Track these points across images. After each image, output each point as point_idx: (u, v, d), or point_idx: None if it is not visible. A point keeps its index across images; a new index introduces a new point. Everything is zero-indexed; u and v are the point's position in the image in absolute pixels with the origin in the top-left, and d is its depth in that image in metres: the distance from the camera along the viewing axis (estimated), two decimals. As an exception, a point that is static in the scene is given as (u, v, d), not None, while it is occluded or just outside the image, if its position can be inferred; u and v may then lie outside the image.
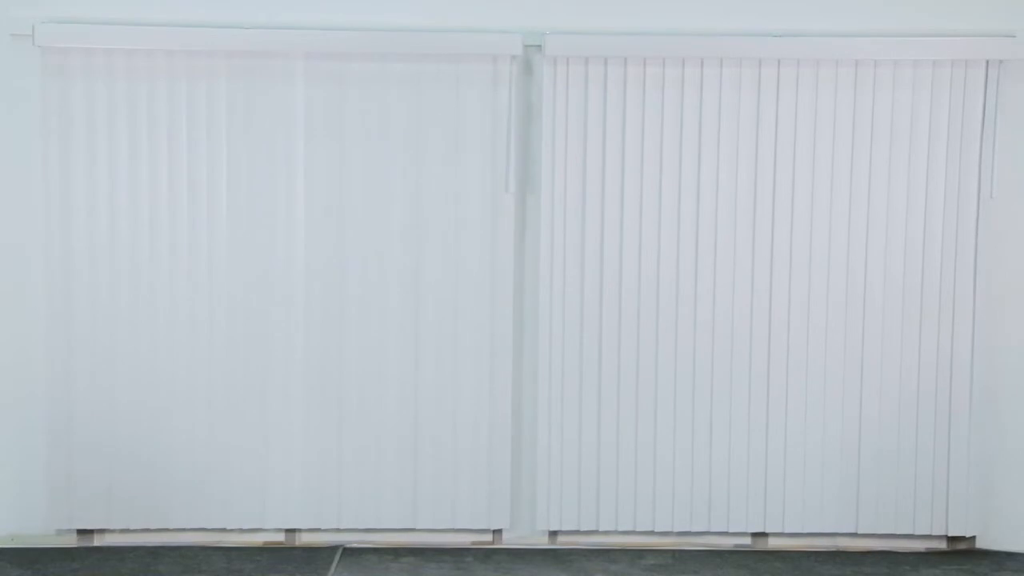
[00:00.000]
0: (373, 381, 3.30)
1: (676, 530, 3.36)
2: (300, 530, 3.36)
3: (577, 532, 3.36)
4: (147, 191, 3.21)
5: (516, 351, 3.32)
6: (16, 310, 3.26)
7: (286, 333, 3.28)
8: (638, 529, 3.35)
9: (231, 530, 3.34)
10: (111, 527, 3.31)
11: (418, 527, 3.34)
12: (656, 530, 3.35)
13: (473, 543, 3.38)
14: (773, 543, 3.39)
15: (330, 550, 3.32)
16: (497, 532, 3.39)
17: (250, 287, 3.27)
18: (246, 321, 3.27)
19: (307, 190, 3.25)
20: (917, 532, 3.35)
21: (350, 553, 3.30)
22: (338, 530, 3.34)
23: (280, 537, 3.37)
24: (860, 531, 3.35)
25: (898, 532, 3.35)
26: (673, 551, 3.35)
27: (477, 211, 3.27)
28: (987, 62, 3.21)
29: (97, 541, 3.33)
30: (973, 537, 3.37)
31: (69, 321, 3.21)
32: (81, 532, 3.32)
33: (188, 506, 3.31)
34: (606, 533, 3.36)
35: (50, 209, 3.19)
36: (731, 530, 3.35)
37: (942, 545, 3.39)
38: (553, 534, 3.38)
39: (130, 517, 3.30)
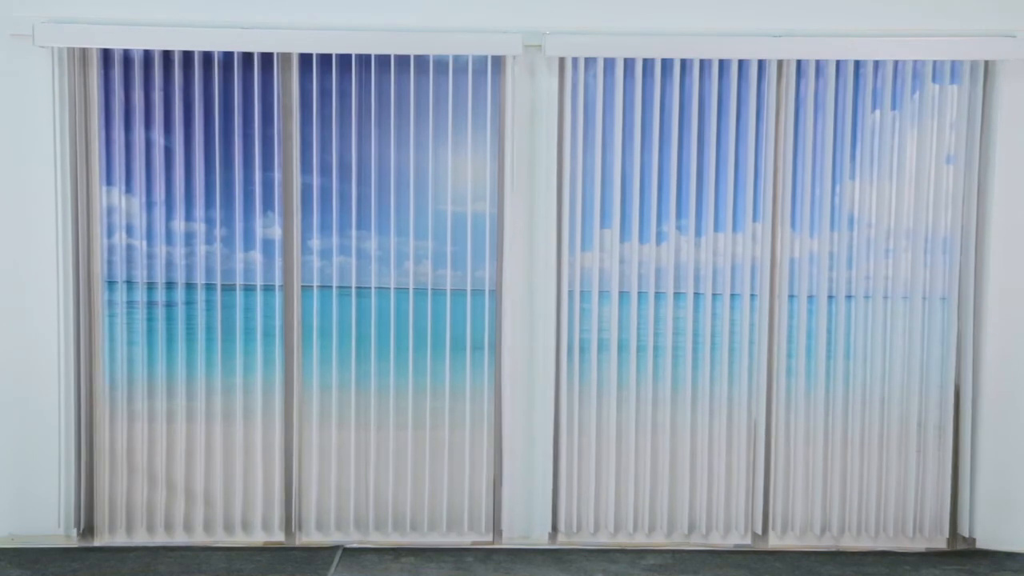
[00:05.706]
0: (372, 384, 3.31)
1: (677, 532, 3.37)
2: (300, 530, 3.36)
3: (577, 532, 3.37)
4: (148, 189, 3.23)
5: (526, 355, 3.33)
6: (18, 312, 3.26)
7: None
8: (639, 532, 3.37)
9: (231, 530, 3.35)
10: (112, 528, 3.31)
11: (421, 528, 3.35)
12: (657, 531, 3.37)
13: (473, 543, 3.38)
14: (773, 543, 3.39)
15: (330, 550, 3.32)
16: (497, 532, 3.39)
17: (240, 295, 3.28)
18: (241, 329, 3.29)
19: (306, 189, 3.26)
20: (917, 532, 3.36)
21: (350, 553, 3.30)
22: (338, 530, 3.35)
23: (280, 537, 3.37)
24: (860, 531, 3.36)
25: (898, 532, 3.36)
26: (673, 551, 3.35)
27: (477, 210, 3.27)
28: (987, 62, 3.22)
29: (97, 541, 3.33)
30: (973, 537, 3.37)
31: (74, 323, 3.22)
32: (81, 532, 3.32)
33: (189, 509, 3.32)
34: (606, 532, 3.37)
35: (57, 209, 3.19)
36: (731, 532, 3.37)
37: (942, 545, 3.39)
38: (553, 534, 3.39)
39: (130, 517, 3.31)
